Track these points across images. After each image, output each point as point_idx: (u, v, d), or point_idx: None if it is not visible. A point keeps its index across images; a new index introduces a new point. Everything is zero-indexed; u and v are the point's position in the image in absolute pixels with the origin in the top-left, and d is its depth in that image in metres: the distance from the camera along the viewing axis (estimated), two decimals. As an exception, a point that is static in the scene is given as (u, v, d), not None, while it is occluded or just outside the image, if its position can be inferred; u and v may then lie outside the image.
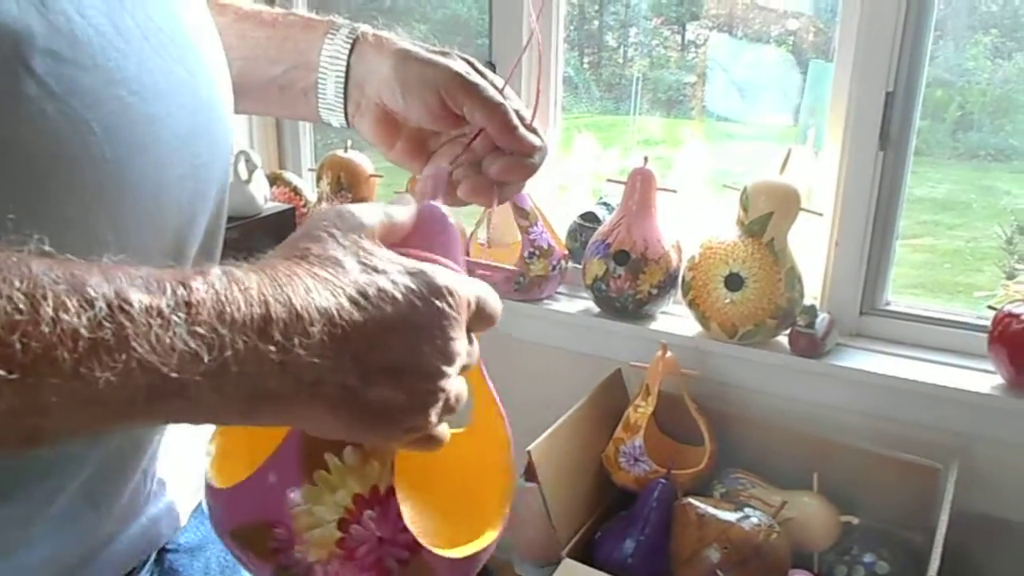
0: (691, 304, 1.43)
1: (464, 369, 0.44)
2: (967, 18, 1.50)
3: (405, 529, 0.46)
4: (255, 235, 1.57)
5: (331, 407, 0.39)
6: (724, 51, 1.92)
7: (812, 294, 1.43)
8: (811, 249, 1.45)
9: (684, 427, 1.43)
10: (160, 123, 0.45)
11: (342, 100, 0.61)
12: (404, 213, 0.47)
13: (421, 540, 0.46)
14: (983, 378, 1.28)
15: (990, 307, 1.26)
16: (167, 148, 0.46)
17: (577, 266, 1.59)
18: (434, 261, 0.46)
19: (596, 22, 2.10)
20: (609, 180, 1.54)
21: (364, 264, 0.40)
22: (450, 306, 0.41)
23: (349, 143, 1.75)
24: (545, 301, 1.62)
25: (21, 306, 0.31)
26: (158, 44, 0.45)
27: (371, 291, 0.39)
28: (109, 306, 0.32)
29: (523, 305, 1.59)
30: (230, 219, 1.75)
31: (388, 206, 0.47)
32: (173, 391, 0.34)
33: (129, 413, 0.34)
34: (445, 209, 0.50)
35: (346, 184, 1.72)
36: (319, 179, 1.76)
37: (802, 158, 1.43)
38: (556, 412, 1.33)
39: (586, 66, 2.10)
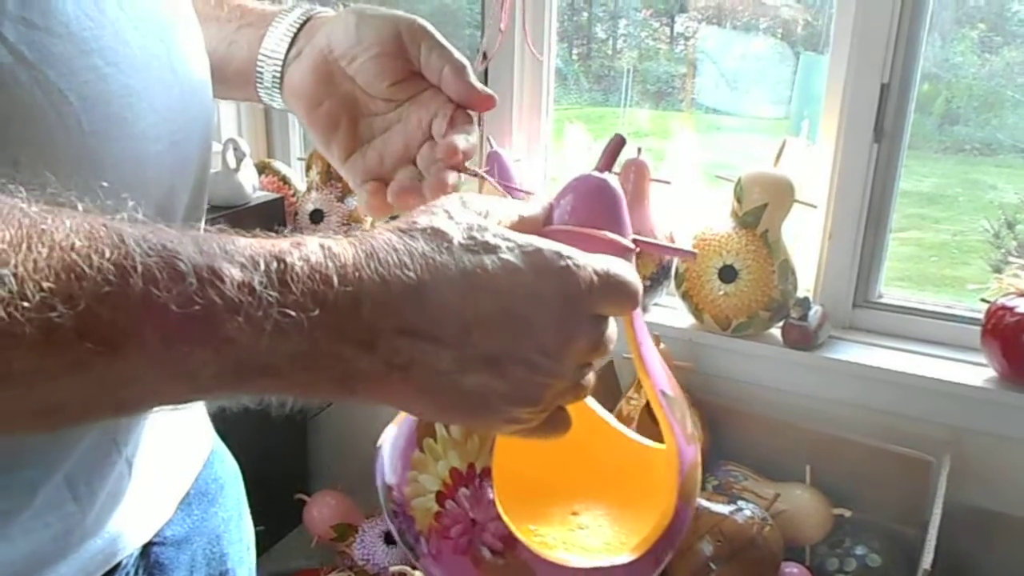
0: (684, 296, 1.42)
1: (595, 356, 0.40)
2: (954, 12, 1.50)
3: (498, 517, 0.44)
4: (243, 224, 1.54)
5: (422, 391, 0.37)
6: (714, 43, 1.92)
7: (805, 286, 1.43)
8: (804, 241, 1.45)
9: (676, 419, 1.42)
10: (137, 96, 0.44)
11: (284, 47, 0.57)
12: (533, 208, 0.45)
13: (526, 539, 0.44)
14: (976, 371, 1.27)
15: (983, 300, 1.26)
16: (145, 122, 0.45)
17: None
18: (589, 235, 0.44)
19: (585, 14, 2.09)
20: (602, 170, 1.53)
21: (473, 239, 0.37)
22: (565, 290, 0.38)
23: (339, 132, 1.74)
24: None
25: (111, 277, 0.30)
26: (135, 16, 0.44)
27: (474, 272, 0.36)
28: (200, 280, 0.31)
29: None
30: (219, 208, 1.73)
31: (518, 203, 0.45)
32: (263, 369, 0.33)
33: (218, 387, 0.33)
34: (610, 179, 0.47)
35: (335, 174, 1.70)
36: (308, 168, 1.74)
37: (796, 150, 1.43)
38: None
39: (575, 58, 2.09)
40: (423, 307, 0.35)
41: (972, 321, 1.31)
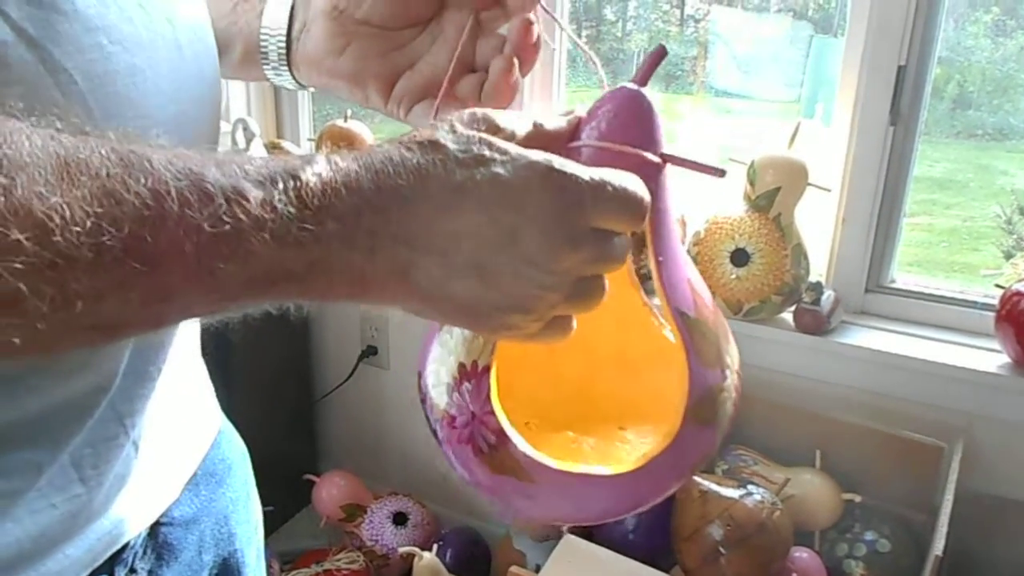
0: (696, 280, 1.41)
1: (600, 270, 0.41)
2: (969, -5, 1.48)
3: (492, 412, 0.46)
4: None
5: (421, 296, 0.39)
6: (725, 25, 1.90)
7: (818, 271, 1.42)
8: (817, 225, 1.44)
9: (686, 403, 1.41)
10: (143, 75, 0.43)
11: (285, 20, 0.57)
12: (558, 121, 0.45)
13: (511, 432, 0.46)
14: (989, 357, 1.27)
15: (998, 285, 1.25)
16: (152, 102, 0.44)
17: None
18: (611, 150, 0.44)
19: (596, -5, 2.08)
20: (614, 153, 1.51)
21: (468, 152, 0.38)
22: (553, 201, 0.38)
23: (349, 112, 1.72)
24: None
25: (149, 202, 0.32)
26: None
27: (462, 184, 0.37)
28: (227, 201, 0.33)
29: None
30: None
31: (540, 113, 0.45)
32: (285, 276, 0.35)
33: (245, 296, 0.36)
34: (644, 91, 0.46)
35: (345, 154, 1.69)
36: (318, 149, 1.73)
37: (810, 133, 1.41)
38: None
39: (584, 39, 2.08)
40: (413, 216, 0.37)
41: (986, 307, 1.30)
